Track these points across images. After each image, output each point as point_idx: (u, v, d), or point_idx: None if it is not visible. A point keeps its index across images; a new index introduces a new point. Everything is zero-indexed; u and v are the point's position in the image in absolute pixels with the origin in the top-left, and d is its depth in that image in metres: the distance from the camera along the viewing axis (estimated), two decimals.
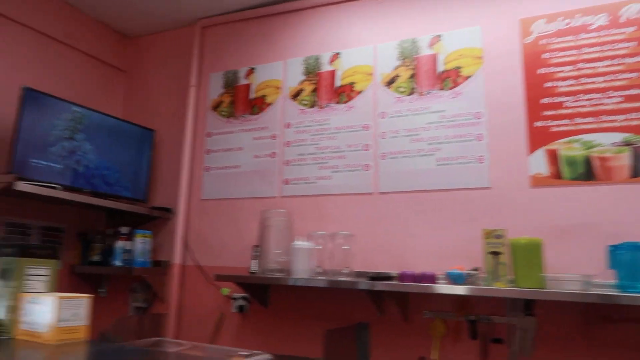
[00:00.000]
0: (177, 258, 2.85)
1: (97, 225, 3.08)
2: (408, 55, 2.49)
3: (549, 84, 2.17)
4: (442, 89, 2.38)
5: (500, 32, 2.32)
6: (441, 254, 2.27)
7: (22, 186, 2.24)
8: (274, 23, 2.91)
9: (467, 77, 2.34)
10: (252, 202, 2.75)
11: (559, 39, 2.20)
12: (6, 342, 0.83)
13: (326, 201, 2.56)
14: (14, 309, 0.86)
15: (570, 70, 2.15)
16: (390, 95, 2.49)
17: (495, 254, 1.90)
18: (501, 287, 1.87)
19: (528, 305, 2.09)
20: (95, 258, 2.88)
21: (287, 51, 2.83)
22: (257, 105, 2.84)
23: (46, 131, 2.48)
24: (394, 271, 2.29)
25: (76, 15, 3.04)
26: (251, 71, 2.90)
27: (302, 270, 2.25)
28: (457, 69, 2.37)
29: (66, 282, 2.89)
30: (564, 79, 2.16)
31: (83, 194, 2.58)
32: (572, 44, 2.17)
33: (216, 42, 3.07)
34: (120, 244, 2.81)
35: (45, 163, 2.46)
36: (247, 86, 2.90)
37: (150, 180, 3.03)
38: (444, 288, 1.88)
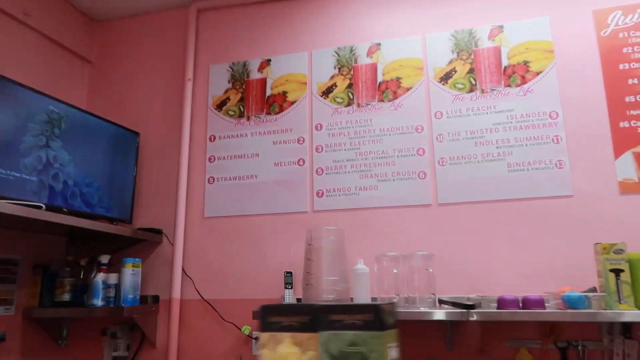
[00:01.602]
0: (175, 291, 2.37)
1: (55, 254, 2.49)
2: (464, 48, 2.29)
3: (634, 81, 2.07)
4: (508, 85, 2.20)
5: (571, 23, 2.19)
6: (521, 273, 2.04)
7: (3, 206, 1.68)
8: (293, 7, 2.58)
9: (537, 73, 2.18)
10: (275, 219, 2.36)
11: None
12: None
13: (372, 215, 2.25)
14: None
15: None
16: (446, 92, 2.27)
17: (617, 271, 1.71)
18: (627, 309, 1.68)
19: (627, 328, 1.93)
20: (65, 297, 2.30)
21: (313, 41, 2.51)
22: (277, 103, 2.48)
23: (18, 134, 1.93)
24: (465, 295, 2.03)
25: None
26: (266, 63, 2.54)
27: (365, 299, 1.92)
28: (525, 64, 2.20)
29: (16, 333, 2.27)
30: None
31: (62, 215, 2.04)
32: None
33: (217, 29, 2.67)
34: (100, 278, 2.27)
35: (17, 175, 1.91)
36: (262, 81, 2.53)
37: (134, 195, 2.52)
38: (573, 314, 1.65)
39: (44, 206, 1.88)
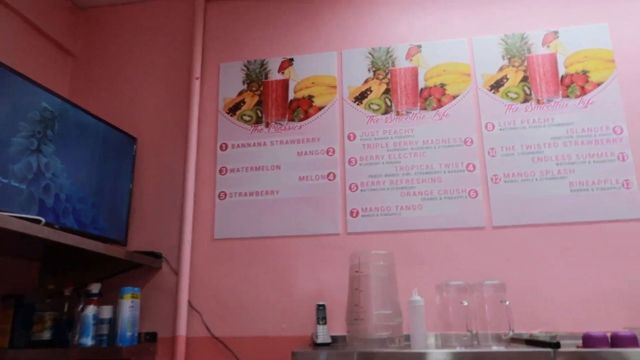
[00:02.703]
0: (180, 328, 2.09)
1: (26, 282, 2.16)
2: (516, 54, 2.17)
3: None
4: (566, 96, 2.10)
5: (632, 32, 2.13)
6: (586, 305, 1.91)
7: (5, 220, 1.39)
8: (319, 1, 2.40)
9: (598, 84, 2.09)
10: (301, 242, 2.13)
11: None
12: None
13: (417, 239, 2.07)
14: None
15: None
16: (498, 102, 2.14)
17: None
18: None
19: None
20: (46, 335, 1.98)
21: (343, 39, 2.33)
22: (302, 108, 2.27)
23: (6, 134, 1.64)
24: (525, 331, 1.88)
25: None
26: (288, 63, 2.34)
27: (423, 336, 1.73)
28: (585, 74, 2.11)
29: None
30: None
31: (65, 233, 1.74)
32: None
33: (229, 22, 2.45)
34: (90, 311, 1.97)
35: (5, 182, 1.60)
36: (284, 82, 2.32)
37: (129, 213, 2.23)
38: None
39: (43, 220, 1.58)
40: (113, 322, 1.99)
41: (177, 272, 2.15)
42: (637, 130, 2.03)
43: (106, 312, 1.99)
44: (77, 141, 1.97)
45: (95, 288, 2.02)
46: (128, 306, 2.00)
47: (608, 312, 1.90)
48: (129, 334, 1.97)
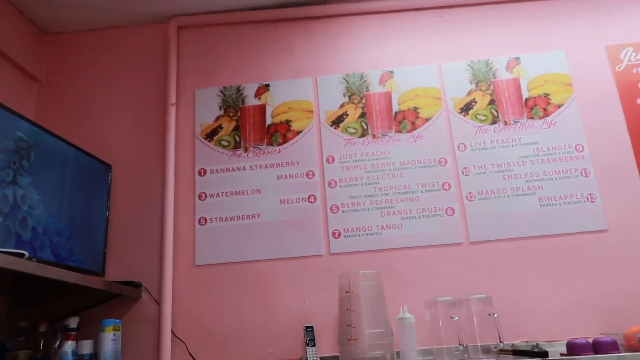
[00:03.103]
0: (164, 359, 2.02)
1: None
2: (483, 79, 2.30)
3: None
4: (531, 117, 2.24)
5: (587, 58, 2.30)
6: (564, 315, 2.01)
7: None
8: (291, 29, 2.45)
9: (559, 106, 2.24)
10: (284, 265, 2.14)
11: None
12: None
13: (398, 257, 2.12)
14: None
15: None
16: (468, 123, 2.25)
17: None
18: None
19: None
20: None
21: (317, 66, 2.38)
22: (280, 132, 2.30)
23: None
24: (507, 342, 1.95)
25: None
26: (264, 88, 2.36)
27: (414, 353, 1.77)
28: (546, 96, 2.26)
29: None
30: None
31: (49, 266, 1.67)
32: None
33: (203, 49, 2.45)
34: (69, 347, 1.88)
35: None
36: (261, 108, 2.34)
37: (106, 242, 2.16)
38: None
39: (26, 254, 1.51)
40: (94, 357, 1.92)
41: (158, 301, 2.10)
42: (597, 148, 2.19)
43: (86, 347, 1.91)
44: (53, 171, 1.90)
45: (73, 322, 1.93)
46: (110, 339, 1.92)
47: (580, 320, 2.00)
48: None
